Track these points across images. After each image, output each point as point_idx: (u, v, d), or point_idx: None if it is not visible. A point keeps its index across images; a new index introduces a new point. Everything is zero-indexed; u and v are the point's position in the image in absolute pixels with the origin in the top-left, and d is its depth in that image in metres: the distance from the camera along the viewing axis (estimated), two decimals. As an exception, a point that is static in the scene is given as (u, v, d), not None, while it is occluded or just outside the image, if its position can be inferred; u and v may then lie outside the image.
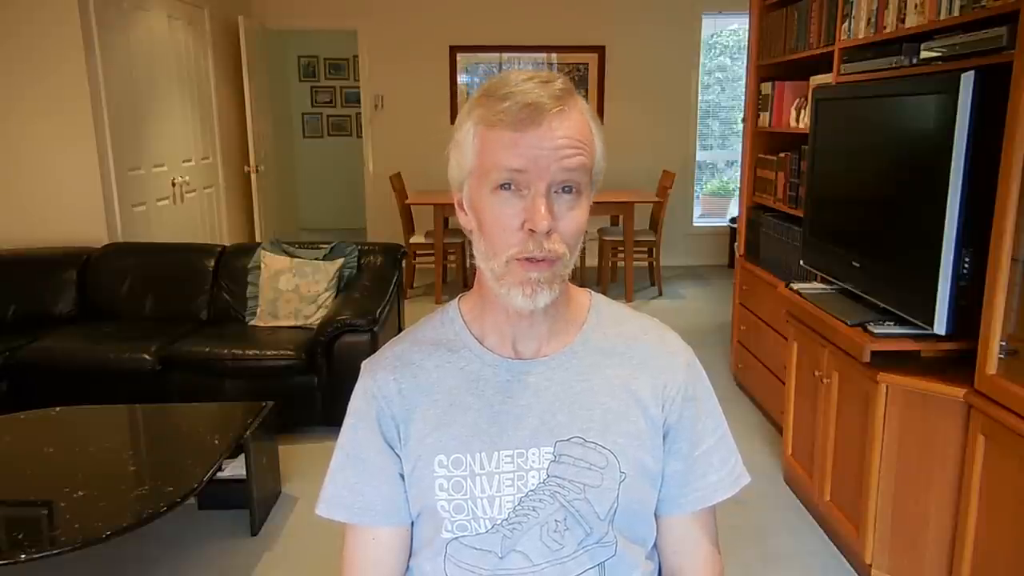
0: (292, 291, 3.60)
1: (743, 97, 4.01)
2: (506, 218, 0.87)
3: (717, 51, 7.90)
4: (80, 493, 2.12)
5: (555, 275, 0.89)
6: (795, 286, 2.70)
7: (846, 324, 2.24)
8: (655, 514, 1.02)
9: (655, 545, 1.04)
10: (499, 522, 0.93)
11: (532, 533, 0.93)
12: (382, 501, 0.98)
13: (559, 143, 0.85)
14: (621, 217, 5.48)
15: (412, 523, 1.00)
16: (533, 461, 0.93)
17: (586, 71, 6.55)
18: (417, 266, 5.86)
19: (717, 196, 7.85)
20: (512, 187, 0.86)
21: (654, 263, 5.82)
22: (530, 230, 0.85)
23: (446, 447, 0.94)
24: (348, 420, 1.01)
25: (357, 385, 1.01)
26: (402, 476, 0.98)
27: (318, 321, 3.44)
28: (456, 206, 0.95)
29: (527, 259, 0.87)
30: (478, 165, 0.88)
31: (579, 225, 0.89)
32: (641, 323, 1.04)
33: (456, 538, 0.94)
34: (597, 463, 0.94)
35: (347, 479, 0.99)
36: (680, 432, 0.99)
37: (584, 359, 0.98)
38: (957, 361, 2.03)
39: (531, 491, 0.93)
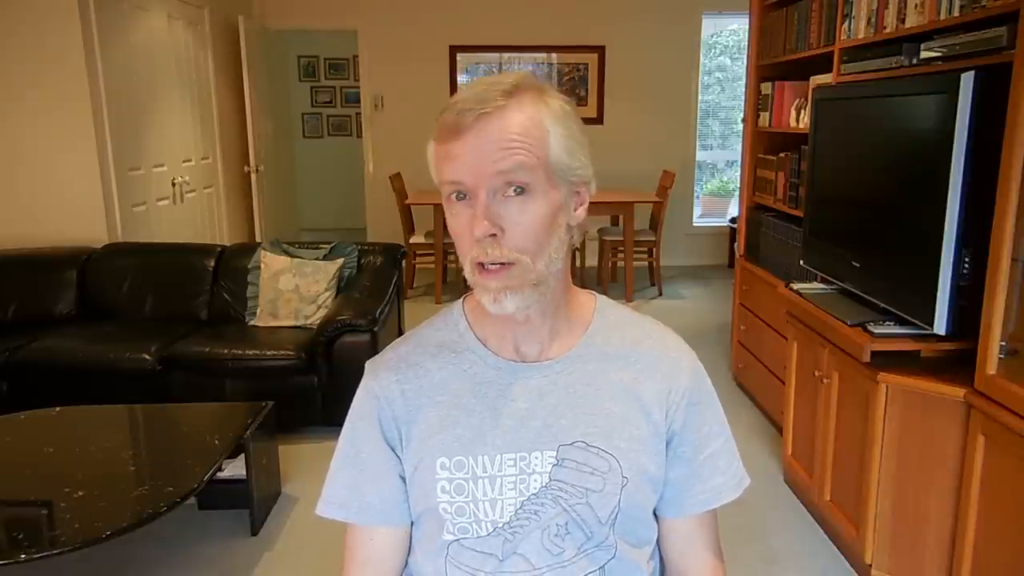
0: (292, 291, 3.59)
1: (743, 97, 4.01)
2: (460, 226, 0.88)
3: (717, 51, 7.90)
4: (80, 493, 2.12)
5: (521, 280, 0.88)
6: (795, 286, 2.70)
7: (846, 324, 2.24)
8: (659, 516, 1.02)
9: (656, 544, 1.04)
10: (500, 525, 0.93)
11: (533, 537, 0.93)
12: (381, 501, 0.98)
13: (491, 145, 0.84)
14: (621, 217, 5.48)
15: (411, 523, 1.00)
16: (536, 465, 0.93)
17: (586, 71, 6.55)
18: (417, 266, 5.86)
19: (717, 196, 7.85)
20: (466, 196, 0.87)
21: (654, 263, 5.82)
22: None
23: (448, 449, 0.94)
24: (350, 420, 1.01)
25: (360, 385, 1.01)
26: (402, 477, 0.98)
27: (318, 321, 3.44)
28: None
29: (484, 268, 0.88)
30: (437, 179, 0.90)
31: (532, 226, 0.87)
32: (645, 327, 1.04)
33: (457, 540, 0.94)
34: (599, 468, 0.93)
35: (347, 479, 0.99)
36: (685, 437, 0.99)
37: (588, 363, 0.98)
38: (957, 361, 2.03)
39: (533, 495, 0.93)
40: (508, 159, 0.84)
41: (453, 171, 0.86)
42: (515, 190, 0.85)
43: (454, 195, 0.87)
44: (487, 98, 0.85)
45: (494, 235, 0.85)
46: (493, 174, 0.85)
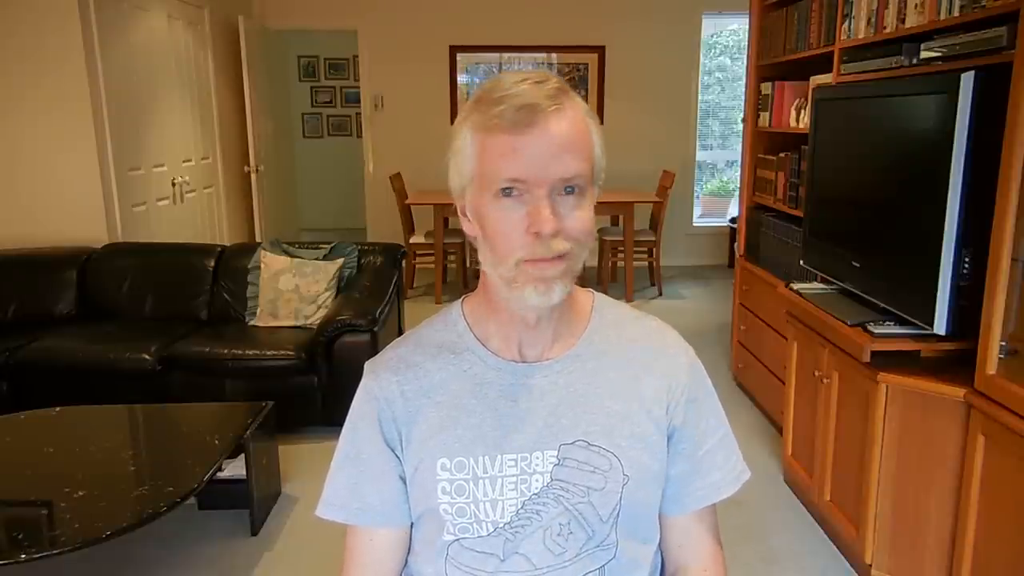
0: (292, 291, 3.59)
1: (743, 97, 4.01)
2: (510, 223, 0.86)
3: (717, 51, 7.90)
4: (80, 493, 2.12)
5: (568, 270, 0.88)
6: (795, 286, 2.70)
7: (846, 324, 2.24)
8: (660, 513, 1.02)
9: (658, 544, 1.04)
10: (501, 525, 0.93)
11: (535, 536, 0.93)
12: (381, 502, 0.98)
13: (557, 145, 0.84)
14: (621, 217, 5.48)
15: (411, 524, 1.00)
16: (537, 464, 0.93)
17: (586, 71, 6.55)
18: (417, 266, 5.86)
19: (717, 196, 7.85)
20: (515, 192, 0.85)
21: (654, 263, 5.82)
22: (535, 233, 0.84)
23: (449, 450, 0.94)
24: (349, 420, 1.01)
25: (360, 385, 1.01)
26: (402, 478, 0.98)
27: (318, 321, 3.44)
28: (459, 212, 0.94)
29: (538, 259, 0.86)
30: (478, 173, 0.87)
31: (585, 223, 0.88)
32: (644, 324, 1.04)
33: (457, 540, 0.95)
34: (601, 466, 0.93)
35: (346, 479, 0.99)
36: (684, 433, 0.99)
37: (588, 362, 0.98)
38: (957, 361, 2.03)
39: (535, 495, 0.93)
40: (573, 160, 0.85)
41: (513, 167, 0.84)
42: (568, 189, 0.86)
43: (503, 190, 0.85)
44: (544, 95, 0.85)
45: (555, 232, 0.85)
46: (558, 173, 0.84)
